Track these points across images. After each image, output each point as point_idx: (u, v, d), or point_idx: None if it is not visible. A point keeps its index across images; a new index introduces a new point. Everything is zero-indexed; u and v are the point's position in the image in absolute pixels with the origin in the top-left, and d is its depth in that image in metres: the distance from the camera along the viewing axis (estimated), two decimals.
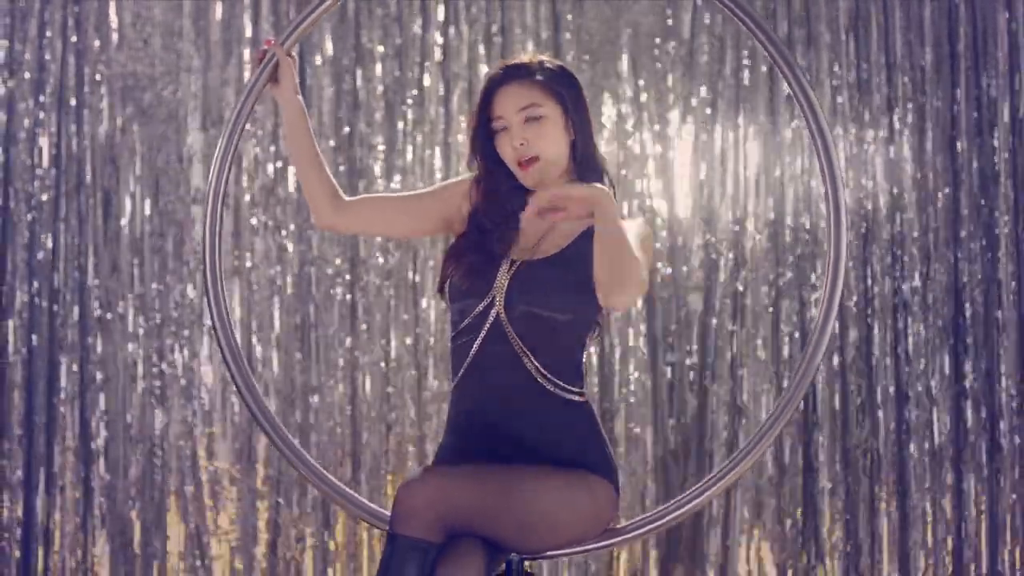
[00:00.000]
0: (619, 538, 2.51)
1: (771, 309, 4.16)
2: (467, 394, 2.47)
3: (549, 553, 2.41)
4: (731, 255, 4.17)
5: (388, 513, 2.38)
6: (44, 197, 4.16)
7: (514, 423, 2.42)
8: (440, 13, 4.21)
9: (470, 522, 2.27)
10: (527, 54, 2.51)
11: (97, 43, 4.20)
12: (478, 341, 2.43)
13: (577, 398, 2.45)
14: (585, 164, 2.49)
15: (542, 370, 2.42)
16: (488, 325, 2.43)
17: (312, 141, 2.57)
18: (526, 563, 2.44)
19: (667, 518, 2.54)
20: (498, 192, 2.51)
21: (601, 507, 2.43)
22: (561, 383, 2.43)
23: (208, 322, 4.12)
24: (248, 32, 4.21)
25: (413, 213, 2.59)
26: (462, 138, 4.17)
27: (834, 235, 2.54)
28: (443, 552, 2.24)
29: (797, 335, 4.14)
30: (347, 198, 2.58)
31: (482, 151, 2.50)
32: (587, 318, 2.46)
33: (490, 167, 2.51)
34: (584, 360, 2.50)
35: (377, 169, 4.19)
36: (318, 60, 4.19)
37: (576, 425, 2.45)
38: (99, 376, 4.13)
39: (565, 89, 2.47)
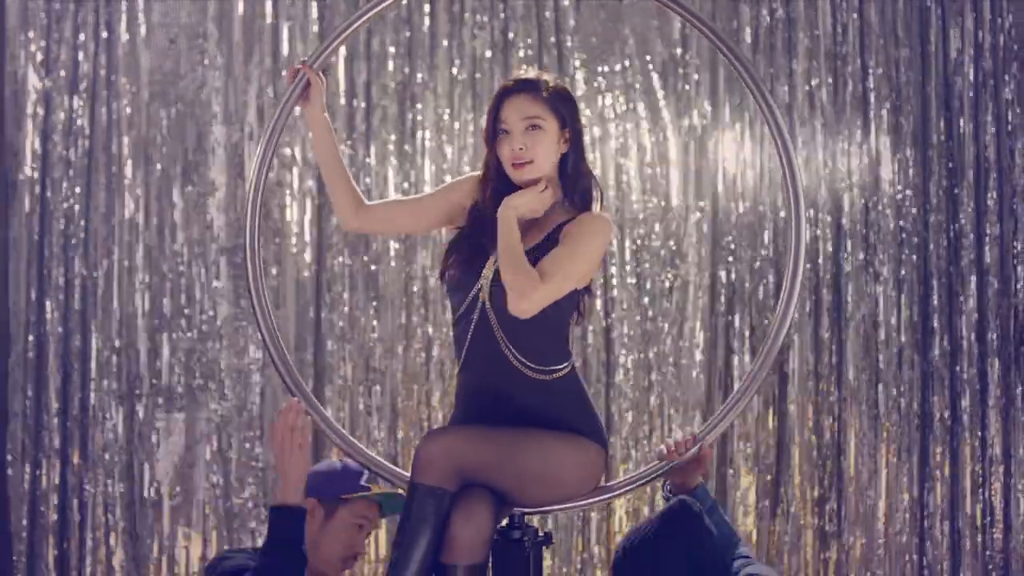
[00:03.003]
0: (608, 495, 2.72)
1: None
2: (468, 378, 2.68)
3: (546, 508, 2.62)
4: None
5: (406, 473, 2.60)
6: (77, 188, 4.29)
7: (511, 403, 2.62)
8: (446, 15, 4.34)
9: (479, 474, 2.49)
10: (534, 71, 2.72)
11: (127, 42, 4.32)
12: (471, 329, 2.64)
13: (561, 373, 2.65)
14: (575, 175, 2.70)
15: (521, 358, 2.61)
16: (476, 314, 2.63)
17: (338, 154, 2.76)
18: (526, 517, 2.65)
19: (649, 477, 2.74)
20: (496, 190, 2.70)
21: (594, 467, 2.66)
22: (540, 366, 2.62)
23: (227, 309, 4.29)
24: (268, 34, 4.33)
25: (423, 212, 2.80)
26: (463, 135, 4.34)
27: (794, 216, 2.77)
28: (457, 498, 2.47)
29: None
30: (368, 203, 2.79)
31: (491, 149, 2.70)
32: (563, 303, 2.63)
33: (496, 164, 2.71)
34: (567, 337, 2.68)
35: (385, 165, 4.32)
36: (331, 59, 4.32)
37: (563, 399, 2.65)
38: (126, 350, 4.27)
39: (564, 107, 2.68)
